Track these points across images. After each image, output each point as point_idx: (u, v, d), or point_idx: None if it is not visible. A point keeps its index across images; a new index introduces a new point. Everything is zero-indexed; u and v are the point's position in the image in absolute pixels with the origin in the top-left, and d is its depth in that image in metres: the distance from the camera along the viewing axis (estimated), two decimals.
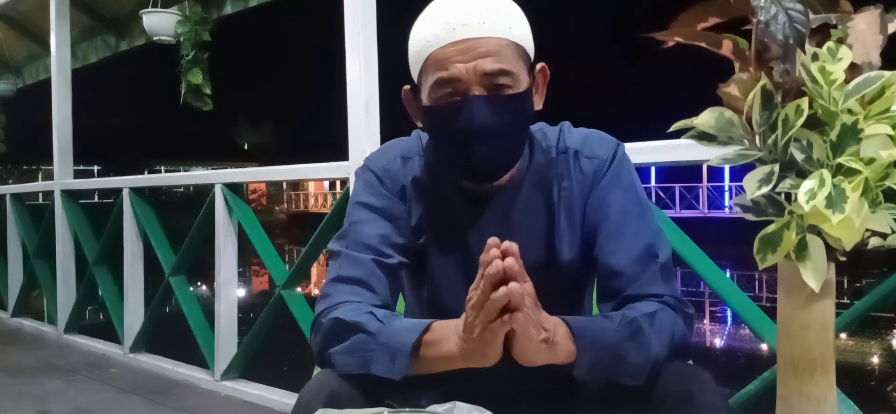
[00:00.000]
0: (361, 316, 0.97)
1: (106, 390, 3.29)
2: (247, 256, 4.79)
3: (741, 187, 0.71)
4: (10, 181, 21.81)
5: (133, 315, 3.89)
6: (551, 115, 1.12)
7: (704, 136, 0.73)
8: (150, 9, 3.97)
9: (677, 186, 22.29)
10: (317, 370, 1.03)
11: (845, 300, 7.02)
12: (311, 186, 35.22)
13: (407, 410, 0.87)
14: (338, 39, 2.51)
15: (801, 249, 0.69)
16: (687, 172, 21.76)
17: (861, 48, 0.68)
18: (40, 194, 7.21)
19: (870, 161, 0.65)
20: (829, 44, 0.68)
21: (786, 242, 0.69)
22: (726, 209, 21.12)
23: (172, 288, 3.56)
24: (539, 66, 1.05)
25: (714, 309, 9.31)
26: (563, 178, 1.08)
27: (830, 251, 0.69)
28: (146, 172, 13.99)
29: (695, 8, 0.73)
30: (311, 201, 35.25)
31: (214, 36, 3.91)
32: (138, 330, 3.84)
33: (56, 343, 4.38)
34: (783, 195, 0.70)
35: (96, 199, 11.21)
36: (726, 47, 0.73)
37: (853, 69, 0.67)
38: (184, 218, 4.19)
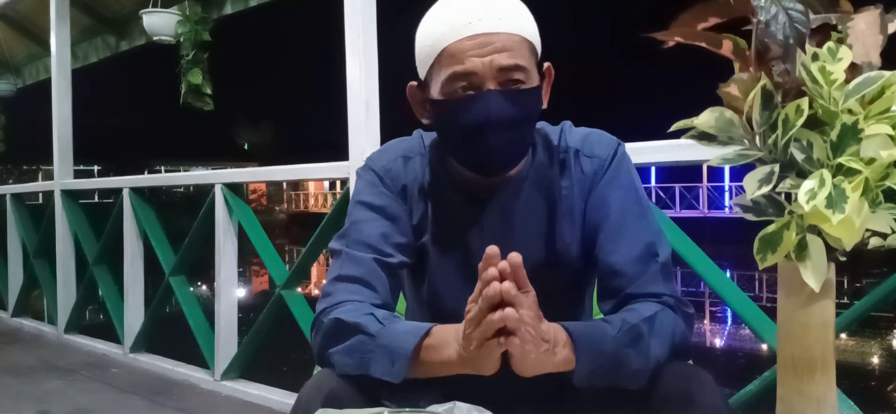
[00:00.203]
0: (362, 317, 0.97)
1: (106, 390, 3.29)
2: (247, 256, 4.79)
3: (741, 187, 0.71)
4: (10, 181, 21.82)
5: (133, 315, 3.89)
6: (551, 115, 1.12)
7: (704, 136, 0.73)
8: (150, 9, 3.97)
9: (677, 186, 22.29)
10: (317, 370, 1.03)
11: (845, 300, 7.02)
12: (311, 186, 35.22)
13: (407, 410, 0.87)
14: (338, 39, 2.51)
15: (801, 249, 0.69)
16: (687, 172, 21.76)
17: (861, 48, 0.68)
18: (40, 194, 7.21)
19: (870, 161, 0.65)
20: (830, 44, 0.68)
21: (786, 242, 0.69)
22: (726, 209, 21.12)
23: (172, 288, 3.56)
24: (545, 65, 1.05)
25: (714, 309, 9.31)
26: (564, 177, 1.08)
27: (830, 251, 0.68)
28: (146, 172, 13.99)
29: (695, 8, 0.73)
30: (311, 201, 35.25)
31: (214, 36, 3.91)
32: (138, 330, 3.84)
33: (56, 343, 4.38)
34: (783, 195, 0.70)
35: (96, 200, 11.22)
36: (726, 47, 0.73)
37: (853, 69, 0.67)
38: (184, 218, 4.20)
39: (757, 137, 0.70)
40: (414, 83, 1.08)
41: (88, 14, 4.78)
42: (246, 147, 40.49)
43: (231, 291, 3.32)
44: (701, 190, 22.18)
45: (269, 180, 19.22)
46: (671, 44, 0.75)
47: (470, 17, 0.97)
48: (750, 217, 0.71)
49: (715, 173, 21.44)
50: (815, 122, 0.68)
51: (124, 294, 3.91)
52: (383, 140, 2.48)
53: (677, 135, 0.74)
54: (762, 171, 0.69)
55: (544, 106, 1.06)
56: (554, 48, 1.06)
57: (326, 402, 0.92)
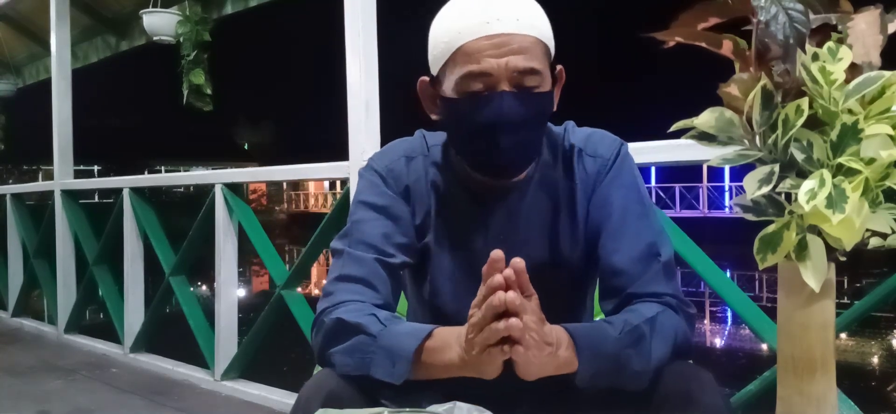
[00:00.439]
0: (363, 317, 0.97)
1: (106, 390, 3.29)
2: (247, 256, 4.78)
3: (741, 187, 0.71)
4: (11, 181, 21.81)
5: (133, 315, 3.89)
6: (553, 114, 1.12)
7: (705, 136, 0.73)
8: (150, 9, 3.97)
9: (677, 186, 22.29)
10: (317, 370, 1.03)
11: (845, 300, 7.01)
12: (311, 186, 35.21)
13: (407, 410, 0.87)
14: (338, 39, 2.51)
15: (802, 249, 0.69)
16: (687, 172, 21.75)
17: (861, 48, 0.68)
18: (40, 194, 7.21)
19: (870, 161, 0.65)
20: (830, 44, 0.68)
21: (786, 242, 0.69)
22: (726, 209, 21.12)
23: (172, 288, 3.56)
24: (558, 68, 1.04)
25: (714, 309, 9.30)
26: (568, 177, 1.08)
27: (830, 251, 0.69)
28: (146, 172, 13.99)
29: (695, 8, 0.73)
30: (312, 201, 35.25)
31: (214, 36, 3.91)
32: (138, 330, 3.84)
33: (56, 343, 4.38)
34: (783, 195, 0.70)
35: (96, 200, 11.22)
36: (726, 47, 0.73)
37: (853, 69, 0.67)
38: (184, 218, 4.19)
39: (757, 137, 0.70)
40: (425, 78, 1.07)
41: (88, 14, 4.78)
42: (246, 147, 40.50)
43: (231, 291, 3.32)
44: (701, 190, 22.18)
45: (269, 180, 19.23)
46: (671, 44, 0.75)
47: (488, 17, 0.96)
48: (750, 217, 0.72)
49: (715, 173, 21.44)
50: (815, 122, 0.68)
51: (124, 294, 3.91)
52: (383, 140, 2.49)
53: (677, 135, 0.75)
54: (762, 171, 0.69)
55: (554, 108, 1.06)
56: (555, 48, 1.06)
57: (326, 402, 0.91)
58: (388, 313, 1.00)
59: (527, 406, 1.05)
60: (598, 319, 1.19)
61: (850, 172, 0.66)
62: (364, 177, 1.12)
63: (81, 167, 24.32)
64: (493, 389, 0.93)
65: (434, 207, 1.09)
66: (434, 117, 1.08)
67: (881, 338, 7.69)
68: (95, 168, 29.41)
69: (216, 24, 3.92)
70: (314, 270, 10.34)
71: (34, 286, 5.10)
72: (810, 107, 0.67)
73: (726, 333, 8.70)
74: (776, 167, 0.68)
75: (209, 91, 3.94)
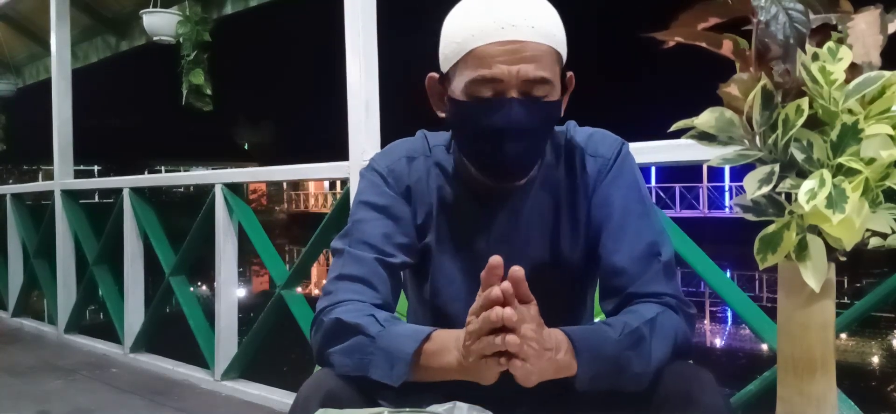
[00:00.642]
0: (362, 318, 0.97)
1: (106, 390, 3.29)
2: (247, 256, 4.78)
3: (741, 187, 0.71)
4: (11, 181, 21.81)
5: (133, 315, 3.89)
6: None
7: (705, 136, 0.73)
8: (150, 9, 3.97)
9: (677, 186, 22.29)
10: (317, 370, 1.03)
11: (845, 300, 7.01)
12: (312, 186, 35.21)
13: (407, 410, 0.87)
14: (338, 39, 2.51)
15: (802, 249, 0.69)
16: (687, 172, 21.76)
17: (861, 48, 0.68)
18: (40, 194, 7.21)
19: (870, 161, 0.65)
20: (830, 44, 0.68)
21: (786, 242, 0.69)
22: (726, 209, 21.12)
23: (173, 288, 3.56)
24: (568, 74, 1.04)
25: (714, 309, 9.30)
26: (569, 176, 1.08)
27: (830, 251, 0.69)
28: (146, 172, 13.99)
29: (695, 8, 0.73)
30: (312, 201, 35.25)
31: (214, 36, 3.91)
32: (138, 330, 3.84)
33: (56, 343, 4.38)
34: (783, 195, 0.70)
35: (96, 200, 11.22)
36: (726, 47, 0.73)
37: (853, 69, 0.67)
38: (184, 218, 4.19)
39: (757, 137, 0.70)
40: (434, 75, 1.06)
41: (88, 14, 4.78)
42: (246, 147, 40.51)
43: (231, 291, 3.32)
44: (701, 190, 22.18)
45: (269, 180, 19.22)
46: (671, 44, 0.75)
47: (503, 22, 0.95)
48: (750, 217, 0.71)
49: (715, 173, 21.44)
50: (816, 122, 0.68)
51: (124, 294, 3.91)
52: (383, 140, 2.49)
53: (677, 135, 0.75)
54: (762, 171, 0.69)
55: (562, 114, 1.06)
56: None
57: (325, 401, 0.91)
58: (388, 314, 1.00)
59: (527, 407, 1.05)
60: (598, 319, 1.19)
61: (851, 172, 0.66)
62: (365, 177, 1.12)
63: (81, 167, 24.32)
64: (493, 389, 0.93)
65: (436, 208, 1.09)
66: (441, 115, 1.08)
67: (881, 338, 7.69)
68: (95, 168, 29.42)
69: (216, 24, 3.92)
70: (314, 270, 10.34)
71: (34, 286, 5.10)
72: (810, 107, 0.67)
73: (726, 333, 8.70)
74: (776, 167, 0.68)
75: (209, 91, 3.94)
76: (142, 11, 4.00)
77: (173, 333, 3.78)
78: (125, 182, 3.92)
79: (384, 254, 1.05)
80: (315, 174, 3.43)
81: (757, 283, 10.64)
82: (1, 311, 5.37)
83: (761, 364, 6.14)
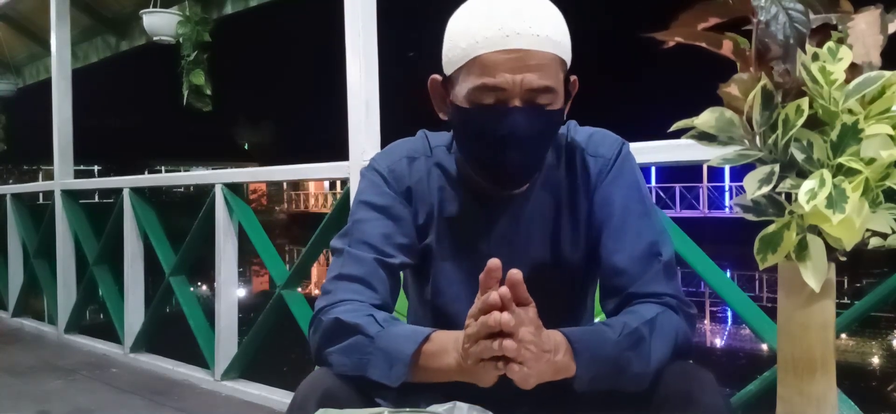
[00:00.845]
0: (361, 318, 0.97)
1: (106, 390, 3.29)
2: (247, 256, 4.78)
3: (741, 187, 0.71)
4: (11, 181, 21.81)
5: (133, 315, 3.89)
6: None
7: (705, 136, 0.73)
8: (150, 9, 3.97)
9: (678, 186, 22.29)
10: (317, 369, 1.03)
11: (845, 300, 7.01)
12: (312, 186, 35.22)
13: (407, 410, 0.87)
14: (338, 39, 2.51)
15: (802, 249, 0.69)
16: (687, 172, 21.76)
17: (861, 48, 0.68)
18: (41, 194, 7.22)
19: (870, 161, 0.65)
20: (830, 44, 0.68)
21: (786, 242, 0.69)
22: (726, 209, 21.12)
23: (173, 288, 3.56)
24: (572, 78, 1.04)
25: (714, 309, 9.30)
26: (570, 177, 1.08)
27: (831, 251, 0.69)
28: (146, 172, 13.99)
29: (695, 8, 0.73)
30: (312, 201, 35.25)
31: (214, 36, 3.91)
32: (138, 330, 3.84)
33: (56, 343, 4.38)
34: (783, 195, 0.70)
35: (96, 200, 11.20)
36: (727, 47, 0.73)
37: (853, 69, 0.67)
38: (184, 218, 4.20)
39: (757, 137, 0.70)
40: (437, 77, 1.06)
41: (89, 14, 4.78)
42: (246, 147, 40.52)
43: (231, 291, 3.32)
44: (701, 190, 22.18)
45: (269, 180, 19.21)
46: (671, 44, 0.75)
47: (508, 31, 0.94)
48: (750, 217, 0.72)
49: (715, 173, 21.45)
50: (816, 122, 0.68)
51: (124, 294, 3.91)
52: (383, 140, 2.49)
53: (678, 135, 0.75)
54: (762, 171, 0.69)
55: (565, 118, 1.05)
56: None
57: (323, 400, 0.91)
58: (387, 314, 1.00)
59: (527, 407, 1.05)
60: (598, 319, 1.19)
61: (851, 172, 0.66)
62: (366, 177, 1.12)
63: (81, 167, 24.33)
64: (493, 390, 0.93)
65: (436, 208, 1.09)
66: (442, 117, 1.08)
67: (881, 338, 7.69)
68: (95, 168, 29.43)
69: (216, 24, 3.92)
70: (314, 270, 10.33)
71: (34, 286, 5.10)
72: (810, 107, 0.67)
73: (726, 333, 8.70)
74: (776, 167, 0.68)
75: (209, 91, 3.94)
76: (142, 11, 4.00)
77: (173, 333, 3.77)
78: (125, 182, 3.92)
79: (384, 254, 1.05)
80: (315, 174, 3.43)
81: (757, 283, 10.64)
82: (1, 311, 5.37)
83: (761, 364, 6.14)
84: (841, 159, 0.66)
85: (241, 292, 10.56)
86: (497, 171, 1.02)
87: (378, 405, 0.94)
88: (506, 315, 0.82)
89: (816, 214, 0.65)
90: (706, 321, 8.93)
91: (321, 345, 1.00)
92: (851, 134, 0.66)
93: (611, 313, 1.03)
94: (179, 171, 25.73)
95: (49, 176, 4.82)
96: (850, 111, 0.67)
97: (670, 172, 21.48)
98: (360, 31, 2.47)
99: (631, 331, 0.93)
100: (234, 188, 3.27)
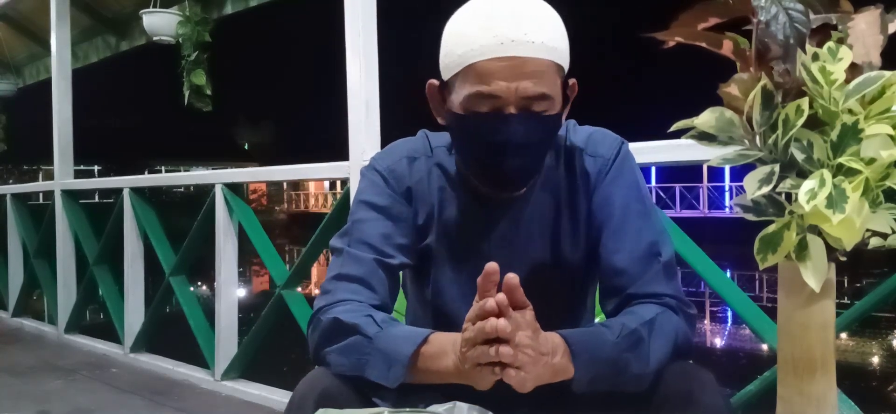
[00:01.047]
0: (360, 318, 0.97)
1: (106, 390, 3.29)
2: (247, 256, 4.78)
3: (741, 187, 0.71)
4: (11, 181, 21.81)
5: (133, 315, 3.89)
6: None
7: (705, 136, 0.73)
8: (150, 9, 3.97)
9: (678, 186, 22.30)
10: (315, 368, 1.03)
11: (845, 300, 7.01)
12: (312, 186, 35.22)
13: (407, 410, 0.87)
14: (338, 39, 2.51)
15: (802, 249, 0.69)
16: (687, 172, 21.77)
17: (861, 48, 0.68)
18: (41, 194, 7.21)
19: (870, 161, 0.65)
20: (830, 44, 0.68)
21: (786, 242, 0.69)
22: (727, 209, 21.12)
23: (173, 288, 3.56)
24: (570, 82, 1.03)
25: (714, 309, 9.30)
26: (569, 177, 1.08)
27: (831, 251, 0.69)
28: (146, 172, 13.99)
29: (695, 8, 0.73)
30: (312, 201, 35.26)
31: (214, 36, 3.91)
32: (138, 330, 3.84)
33: (56, 343, 4.38)
34: (783, 195, 0.70)
35: (96, 200, 11.20)
36: (727, 47, 0.73)
37: (853, 69, 0.67)
38: (184, 218, 4.19)
39: (757, 137, 0.70)
40: (434, 81, 1.05)
41: (89, 14, 4.78)
42: (246, 147, 40.52)
43: (231, 291, 3.32)
44: (701, 190, 22.18)
45: (269, 180, 19.22)
46: (671, 44, 0.75)
47: (503, 38, 0.93)
48: (750, 217, 0.72)
49: (715, 173, 21.45)
50: (816, 122, 0.68)
51: (124, 294, 3.91)
52: (383, 140, 2.49)
53: (678, 135, 0.75)
54: (762, 171, 0.69)
55: (564, 121, 1.05)
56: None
57: (320, 400, 0.91)
58: (385, 315, 1.00)
59: (526, 407, 1.05)
60: (598, 320, 1.19)
61: (851, 172, 0.66)
62: (366, 176, 1.12)
63: (81, 167, 24.32)
64: (492, 391, 0.93)
65: (437, 209, 1.09)
66: (440, 121, 1.08)
67: (881, 338, 7.69)
68: (95, 168, 29.42)
69: (216, 24, 3.92)
70: (314, 270, 10.33)
71: (34, 286, 5.10)
72: (810, 107, 0.67)
73: (726, 333, 8.70)
74: (776, 167, 0.68)
75: (209, 91, 3.94)
76: (142, 11, 3.99)
77: (173, 333, 3.77)
78: (125, 182, 3.92)
79: (383, 254, 1.05)
80: (315, 174, 3.43)
81: (757, 283, 10.64)
82: (1, 311, 5.37)
83: (761, 364, 6.14)
84: (841, 159, 0.66)
85: (241, 292, 10.56)
86: (495, 177, 1.02)
87: (376, 405, 0.94)
88: (502, 321, 0.82)
89: (816, 214, 0.65)
90: (706, 321, 8.93)
91: (320, 344, 1.00)
92: (851, 134, 0.66)
93: (611, 313, 1.03)
94: (179, 171, 25.74)
95: (49, 176, 4.82)
96: (851, 111, 0.67)
97: (670, 172, 21.49)
98: (360, 31, 2.47)
99: (629, 332, 0.93)
100: (234, 188, 3.27)
